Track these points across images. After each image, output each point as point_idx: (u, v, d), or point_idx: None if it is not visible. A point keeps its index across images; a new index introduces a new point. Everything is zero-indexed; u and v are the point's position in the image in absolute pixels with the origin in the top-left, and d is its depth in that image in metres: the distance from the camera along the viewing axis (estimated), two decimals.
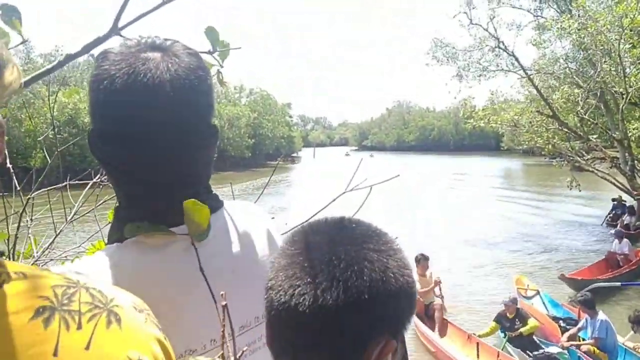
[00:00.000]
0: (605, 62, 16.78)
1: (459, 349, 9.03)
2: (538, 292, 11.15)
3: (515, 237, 19.27)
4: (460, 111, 24.43)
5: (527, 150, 28.92)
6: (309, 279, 0.70)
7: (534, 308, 10.17)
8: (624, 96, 16.66)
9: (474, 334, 9.13)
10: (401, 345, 0.77)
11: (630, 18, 15.21)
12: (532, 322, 8.88)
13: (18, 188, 1.95)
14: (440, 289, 10.66)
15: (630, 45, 16.48)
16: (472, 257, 16.23)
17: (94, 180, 2.16)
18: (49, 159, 2.22)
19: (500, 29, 20.33)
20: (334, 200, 1.70)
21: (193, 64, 0.97)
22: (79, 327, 0.61)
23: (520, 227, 21.22)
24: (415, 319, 9.83)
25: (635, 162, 18.42)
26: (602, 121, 20.05)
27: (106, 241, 1.04)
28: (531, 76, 18.66)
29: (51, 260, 2.05)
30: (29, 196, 1.95)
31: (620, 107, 17.24)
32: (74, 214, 2.12)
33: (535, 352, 8.05)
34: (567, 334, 8.65)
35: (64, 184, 2.19)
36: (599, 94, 18.43)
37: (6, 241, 1.74)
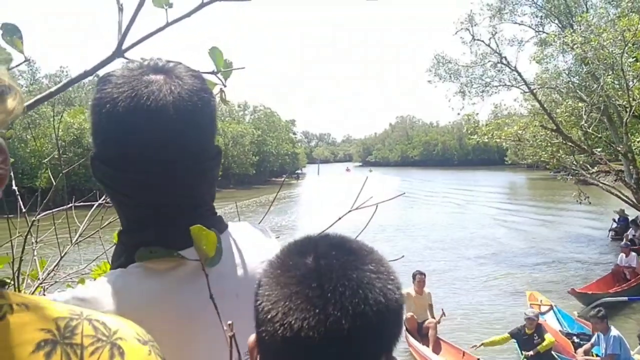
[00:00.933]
0: (608, 75, 16.79)
1: None
2: (552, 307, 11.05)
3: (523, 252, 19.20)
4: (463, 126, 24.38)
5: (531, 164, 28.89)
6: (317, 311, 0.67)
7: (547, 323, 10.07)
8: (628, 109, 16.65)
9: (474, 346, 9.01)
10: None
11: (633, 32, 15.24)
12: (548, 338, 8.73)
13: (24, 210, 1.95)
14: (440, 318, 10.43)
15: (634, 59, 16.50)
16: (479, 272, 16.17)
17: (99, 201, 2.16)
18: (54, 181, 2.22)
19: (502, 45, 20.27)
20: (339, 218, 1.68)
21: (196, 85, 0.96)
22: None
23: (528, 242, 21.16)
24: (409, 338, 9.75)
25: None
26: (606, 134, 20.01)
27: (111, 263, 1.03)
28: (534, 90, 18.67)
29: (56, 282, 2.04)
30: (34, 218, 1.94)
31: (624, 120, 17.21)
32: (79, 235, 2.11)
33: None
34: (581, 349, 8.58)
35: (69, 205, 2.18)
36: (602, 107, 18.39)
37: (10, 263, 1.73)
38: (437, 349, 9.66)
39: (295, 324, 0.67)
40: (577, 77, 20.38)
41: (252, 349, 0.78)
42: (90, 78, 1.21)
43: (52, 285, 2.05)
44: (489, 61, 20.07)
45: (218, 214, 1.06)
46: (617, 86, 17.12)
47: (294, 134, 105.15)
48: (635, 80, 16.24)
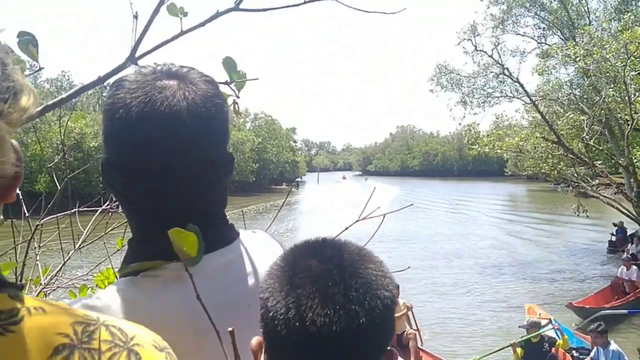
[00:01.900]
0: (610, 88, 16.84)
1: None
2: (550, 321, 11.00)
3: (521, 264, 19.20)
4: (464, 137, 24.42)
5: (531, 175, 28.92)
6: (337, 307, 0.71)
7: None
8: (629, 122, 16.68)
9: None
10: None
11: (636, 45, 15.28)
12: (560, 341, 8.68)
13: (27, 214, 1.94)
14: (415, 320, 10.30)
15: (636, 73, 16.54)
16: (478, 285, 16.14)
17: (103, 207, 2.14)
18: (58, 185, 2.20)
19: (505, 56, 20.35)
20: (346, 228, 1.67)
21: (210, 91, 0.95)
22: None
23: (527, 254, 21.14)
24: None
25: None
26: (607, 147, 20.05)
27: (114, 268, 1.02)
28: (536, 102, 18.71)
29: (58, 287, 2.02)
30: (37, 223, 1.93)
31: (626, 133, 17.26)
32: (82, 240, 2.09)
33: None
34: None
35: (72, 210, 2.17)
36: (604, 120, 18.44)
37: (13, 268, 1.72)
38: None
39: (318, 320, 0.70)
40: (579, 89, 20.47)
41: (256, 351, 0.80)
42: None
43: (54, 290, 2.03)
44: (491, 72, 20.14)
45: (230, 222, 1.04)
46: (619, 99, 17.15)
47: (295, 141, 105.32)
48: (637, 93, 16.29)
